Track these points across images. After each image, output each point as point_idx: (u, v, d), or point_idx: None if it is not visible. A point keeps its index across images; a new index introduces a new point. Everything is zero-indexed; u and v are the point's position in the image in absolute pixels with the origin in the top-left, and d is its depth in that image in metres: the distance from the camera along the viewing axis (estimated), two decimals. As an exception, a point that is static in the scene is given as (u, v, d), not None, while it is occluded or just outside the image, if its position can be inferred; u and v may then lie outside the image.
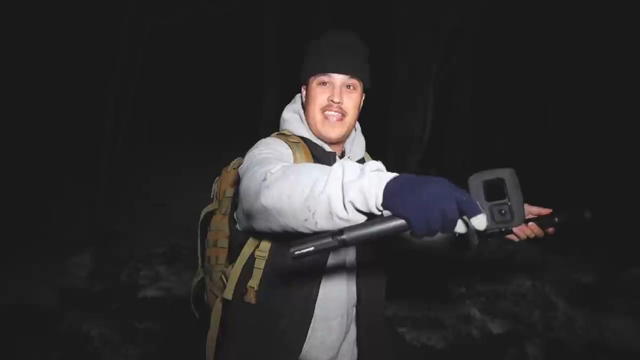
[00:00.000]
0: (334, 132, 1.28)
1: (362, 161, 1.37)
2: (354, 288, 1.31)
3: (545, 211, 1.22)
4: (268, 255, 1.21)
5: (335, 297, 1.27)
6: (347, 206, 0.81)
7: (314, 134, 1.31)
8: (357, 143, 1.37)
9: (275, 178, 0.92)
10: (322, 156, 1.27)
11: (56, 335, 3.22)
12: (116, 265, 4.34)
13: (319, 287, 1.24)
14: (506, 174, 0.92)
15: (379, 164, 0.86)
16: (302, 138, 1.29)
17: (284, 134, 1.30)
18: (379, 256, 1.34)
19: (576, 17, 6.90)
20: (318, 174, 0.86)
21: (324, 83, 1.28)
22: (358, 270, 1.31)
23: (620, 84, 6.76)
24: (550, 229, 1.21)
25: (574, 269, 3.97)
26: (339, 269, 1.28)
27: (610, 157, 6.49)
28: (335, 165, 0.86)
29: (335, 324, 1.28)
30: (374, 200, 0.79)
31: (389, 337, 1.47)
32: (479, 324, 3.33)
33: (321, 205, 0.83)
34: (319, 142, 1.30)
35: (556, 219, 1.20)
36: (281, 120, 1.35)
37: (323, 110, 1.28)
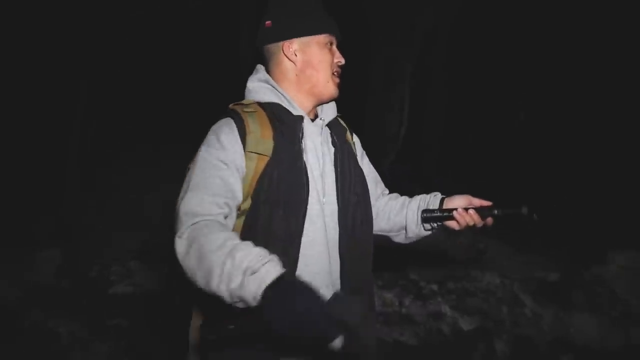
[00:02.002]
0: (337, 92, 1.35)
1: (335, 122, 1.39)
2: (336, 256, 1.28)
3: (486, 203, 1.36)
4: (240, 236, 1.17)
5: (317, 268, 1.24)
6: (237, 302, 1.00)
7: (313, 95, 1.32)
8: (328, 104, 1.39)
9: (181, 252, 1.06)
10: (288, 120, 1.26)
11: (22, 332, 3.14)
12: (85, 261, 4.24)
13: (297, 260, 1.20)
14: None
15: (262, 258, 0.99)
16: (269, 104, 1.28)
17: (241, 103, 1.30)
18: (361, 222, 1.33)
19: (551, 16, 7.10)
20: (213, 267, 1.00)
21: (328, 44, 1.33)
22: (340, 237, 1.28)
23: (591, 82, 6.99)
24: (489, 220, 1.35)
25: (540, 267, 4.10)
26: (319, 237, 1.25)
27: (578, 156, 6.72)
28: (226, 266, 0.99)
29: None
30: (255, 302, 0.96)
31: (373, 306, 1.44)
32: (450, 320, 3.41)
33: (218, 294, 1.01)
34: (290, 106, 1.29)
35: (495, 212, 1.33)
36: (246, 90, 1.35)
37: (333, 72, 1.33)
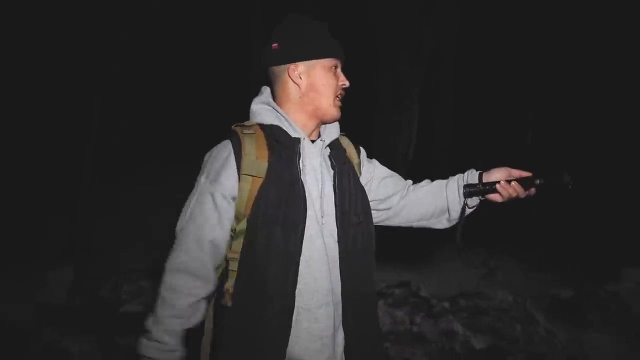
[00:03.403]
0: (339, 114, 1.37)
1: (337, 142, 1.40)
2: (337, 275, 1.30)
3: (526, 174, 1.35)
4: (240, 256, 1.24)
5: (317, 286, 1.26)
6: None
7: (316, 117, 1.35)
8: (331, 125, 1.41)
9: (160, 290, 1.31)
10: (286, 141, 1.30)
11: (34, 351, 3.15)
12: (97, 280, 4.27)
13: (296, 278, 1.23)
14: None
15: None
16: (270, 126, 1.32)
17: (243, 125, 1.34)
18: (362, 243, 1.34)
19: (554, 19, 7.12)
20: (156, 317, 1.28)
21: (333, 68, 1.35)
22: (341, 257, 1.30)
23: (599, 101, 6.98)
24: (532, 189, 1.33)
25: (553, 284, 4.06)
26: (319, 257, 1.27)
27: (589, 175, 6.66)
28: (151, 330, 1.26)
29: (321, 314, 1.26)
30: None
31: (377, 327, 1.41)
32: (462, 339, 3.37)
33: None
34: (290, 127, 1.32)
35: (537, 181, 1.32)
36: (250, 112, 1.38)
37: (336, 95, 1.36)
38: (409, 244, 4.15)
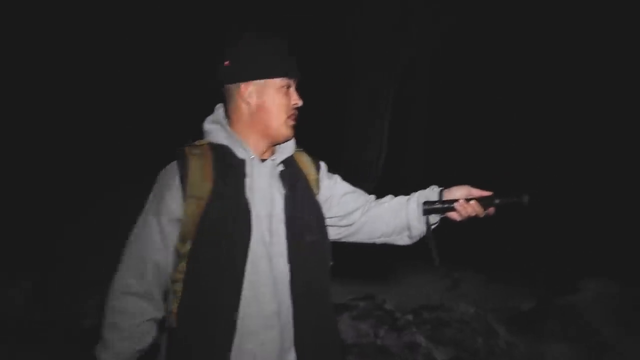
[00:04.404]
0: (292, 133, 1.37)
1: (291, 159, 1.39)
2: (287, 298, 1.29)
3: (486, 193, 1.36)
4: (184, 277, 1.24)
5: (262, 309, 1.25)
6: None
7: (267, 136, 1.34)
8: (286, 144, 1.40)
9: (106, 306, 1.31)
10: (233, 162, 1.30)
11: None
12: (59, 293, 4.16)
13: (238, 300, 1.23)
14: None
15: None
16: (219, 145, 1.32)
17: (193, 145, 1.34)
18: (316, 261, 1.34)
19: (531, 43, 7.26)
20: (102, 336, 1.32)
21: (285, 88, 1.34)
22: (292, 278, 1.29)
23: (579, 111, 7.12)
24: (490, 210, 1.35)
25: (514, 296, 4.16)
26: (264, 279, 1.26)
27: (550, 191, 6.84)
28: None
29: (267, 336, 1.26)
30: None
31: (336, 343, 1.40)
32: (425, 351, 3.42)
33: None
34: (239, 147, 1.32)
35: (496, 201, 1.34)
36: (203, 132, 1.38)
37: (289, 115, 1.35)
38: (374, 257, 4.19)
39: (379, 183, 5.76)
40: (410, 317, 3.67)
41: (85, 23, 6.11)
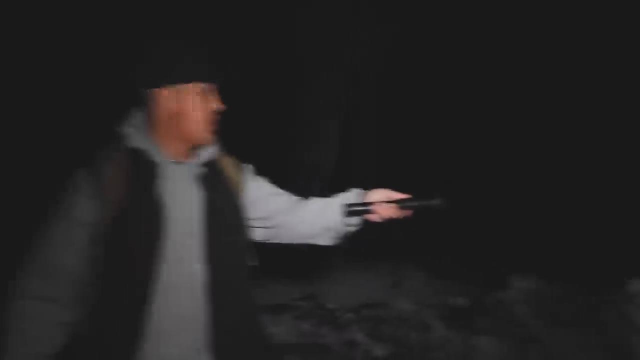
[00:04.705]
0: (211, 138, 1.36)
1: (213, 162, 1.39)
2: (204, 300, 1.28)
3: (403, 196, 1.44)
4: (95, 281, 1.24)
5: (176, 311, 1.25)
6: None
7: (185, 140, 1.33)
8: (207, 146, 1.39)
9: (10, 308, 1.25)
10: (147, 165, 1.30)
11: None
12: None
13: (149, 304, 1.22)
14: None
15: None
16: (134, 149, 1.31)
17: (109, 148, 1.33)
18: (235, 264, 1.34)
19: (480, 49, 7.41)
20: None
21: (202, 92, 1.33)
22: (208, 280, 1.28)
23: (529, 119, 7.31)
24: (408, 211, 1.43)
25: (451, 293, 4.37)
26: (178, 281, 1.26)
27: (468, 194, 7.04)
28: None
29: (184, 339, 1.26)
30: None
31: (258, 344, 1.41)
32: (365, 348, 3.54)
33: None
34: (154, 150, 1.31)
35: (412, 203, 1.42)
36: (118, 135, 1.36)
37: (208, 120, 1.34)
38: (317, 256, 4.28)
39: (330, 183, 5.85)
40: (351, 315, 3.78)
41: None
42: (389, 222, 1.47)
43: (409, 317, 3.99)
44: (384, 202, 1.42)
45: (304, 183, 5.60)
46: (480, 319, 4.18)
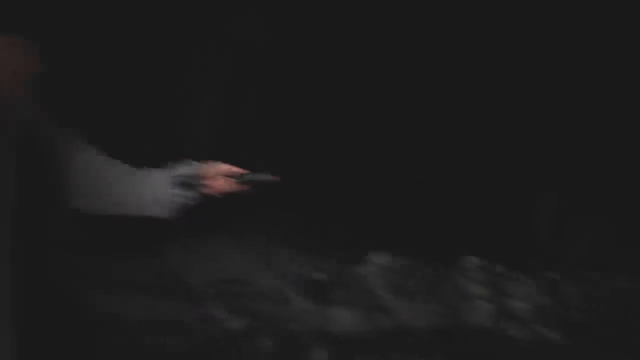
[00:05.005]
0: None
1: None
2: None
3: (237, 170, 1.46)
4: None
5: None
6: None
7: None
8: None
9: None
10: None
11: None
12: None
13: None
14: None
15: None
16: None
17: None
18: None
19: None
20: None
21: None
22: None
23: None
24: (243, 185, 1.46)
25: (313, 267, 4.60)
26: None
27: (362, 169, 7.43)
28: None
29: None
30: None
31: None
32: (222, 323, 3.58)
33: None
34: None
35: (244, 177, 1.45)
36: None
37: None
38: (182, 233, 4.18)
39: (211, 159, 5.71)
40: (211, 290, 3.79)
41: None
42: (226, 196, 1.51)
43: (270, 291, 4.11)
44: (218, 175, 1.44)
45: (185, 159, 5.43)
46: (338, 292, 4.47)
